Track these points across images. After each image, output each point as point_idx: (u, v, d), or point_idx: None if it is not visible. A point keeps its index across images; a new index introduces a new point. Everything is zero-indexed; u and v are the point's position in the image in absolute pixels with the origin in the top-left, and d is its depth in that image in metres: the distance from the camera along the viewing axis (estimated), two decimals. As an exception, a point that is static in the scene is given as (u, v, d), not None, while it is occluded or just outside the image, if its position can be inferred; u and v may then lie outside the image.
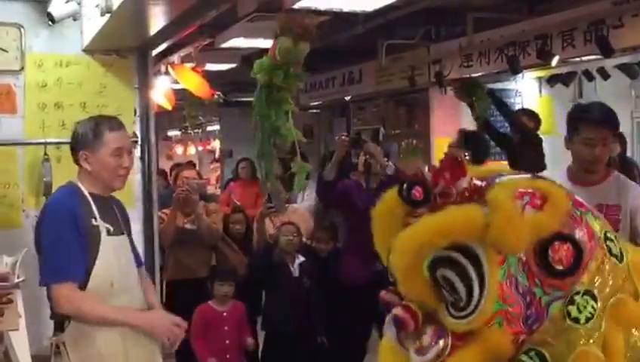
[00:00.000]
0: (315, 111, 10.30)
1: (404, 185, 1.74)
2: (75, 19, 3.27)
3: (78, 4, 3.06)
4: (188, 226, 4.53)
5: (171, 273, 4.53)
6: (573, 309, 1.61)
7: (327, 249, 4.57)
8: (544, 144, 5.27)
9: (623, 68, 6.15)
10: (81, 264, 2.45)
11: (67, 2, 3.00)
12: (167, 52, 4.16)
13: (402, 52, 7.23)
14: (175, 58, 4.75)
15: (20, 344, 1.91)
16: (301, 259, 4.37)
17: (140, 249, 3.75)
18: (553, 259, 1.58)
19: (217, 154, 12.19)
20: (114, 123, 2.63)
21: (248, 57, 5.50)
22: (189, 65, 5.66)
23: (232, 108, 10.65)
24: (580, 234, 1.64)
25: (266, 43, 3.82)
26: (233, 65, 6.56)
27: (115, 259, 2.54)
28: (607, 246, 1.68)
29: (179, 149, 13.42)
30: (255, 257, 4.58)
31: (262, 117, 2.55)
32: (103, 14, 2.75)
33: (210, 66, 6.39)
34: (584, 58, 5.89)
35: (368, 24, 5.93)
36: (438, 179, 1.70)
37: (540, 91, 7.52)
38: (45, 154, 3.45)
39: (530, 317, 1.61)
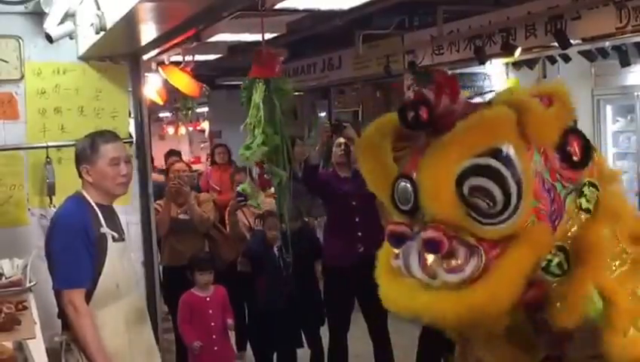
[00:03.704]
0: (298, 93, 10.32)
1: (407, 107, 1.60)
2: (71, 38, 3.29)
3: (74, 23, 3.07)
4: (181, 216, 4.60)
5: (167, 260, 4.62)
6: (583, 201, 1.63)
7: (295, 226, 4.53)
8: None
9: (583, 52, 6.23)
10: (89, 271, 2.54)
11: (62, 22, 3.01)
12: (157, 53, 4.24)
13: (378, 40, 7.27)
14: (164, 58, 4.79)
15: (37, 351, 1.89)
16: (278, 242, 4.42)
17: (139, 240, 3.85)
18: (570, 152, 1.60)
19: (207, 134, 12.19)
20: (109, 136, 2.71)
21: (235, 47, 5.51)
22: (178, 57, 5.64)
23: (219, 90, 10.62)
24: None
25: (252, 37, 3.86)
26: (220, 55, 6.52)
27: (119, 263, 2.64)
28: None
29: (170, 129, 13.37)
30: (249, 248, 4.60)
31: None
32: (97, 33, 2.77)
33: (198, 57, 6.36)
34: (546, 47, 5.96)
35: (345, 17, 5.94)
36: (441, 97, 1.58)
37: (507, 74, 7.59)
38: (47, 157, 3.50)
39: (555, 212, 1.59)
